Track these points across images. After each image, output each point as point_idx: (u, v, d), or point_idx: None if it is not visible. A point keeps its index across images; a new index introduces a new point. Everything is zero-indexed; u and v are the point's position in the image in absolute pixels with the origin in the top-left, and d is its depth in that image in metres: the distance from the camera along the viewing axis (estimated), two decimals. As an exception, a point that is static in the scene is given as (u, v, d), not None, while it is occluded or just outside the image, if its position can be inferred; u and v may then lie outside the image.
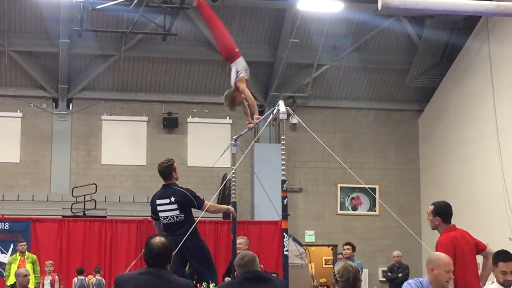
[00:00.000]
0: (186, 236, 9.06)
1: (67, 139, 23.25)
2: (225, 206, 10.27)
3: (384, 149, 24.90)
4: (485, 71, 21.00)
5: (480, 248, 8.15)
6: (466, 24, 22.25)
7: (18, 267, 15.68)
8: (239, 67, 10.70)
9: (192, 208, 9.55)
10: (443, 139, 23.33)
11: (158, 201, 9.55)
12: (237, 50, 10.90)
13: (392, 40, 24.00)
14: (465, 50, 22.25)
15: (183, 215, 9.42)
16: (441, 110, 23.60)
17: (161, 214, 9.49)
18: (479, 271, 8.18)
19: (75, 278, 18.85)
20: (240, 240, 13.44)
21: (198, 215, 9.85)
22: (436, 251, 7.65)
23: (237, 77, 10.67)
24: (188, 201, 9.48)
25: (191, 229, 9.23)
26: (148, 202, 23.06)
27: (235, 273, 7.05)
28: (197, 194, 9.69)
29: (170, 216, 9.43)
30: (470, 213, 19.33)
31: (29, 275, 13.70)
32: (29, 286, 14.52)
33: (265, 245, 20.36)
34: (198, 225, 9.67)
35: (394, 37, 23.88)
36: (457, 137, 22.47)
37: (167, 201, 9.44)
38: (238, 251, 13.63)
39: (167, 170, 9.70)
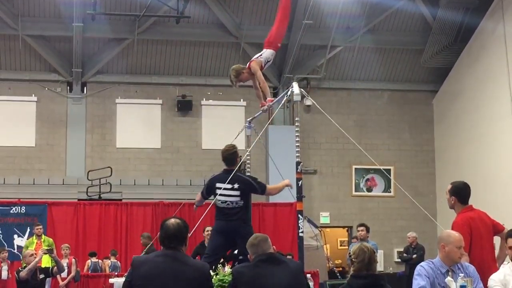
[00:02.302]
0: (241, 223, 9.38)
1: (81, 123, 23.32)
2: (282, 184, 10.23)
3: (398, 130, 24.84)
4: (500, 51, 20.89)
5: (497, 229, 8.11)
6: (481, 3, 22.11)
7: (35, 251, 15.77)
8: (266, 55, 10.74)
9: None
10: (458, 120, 23.25)
11: (219, 185, 9.52)
12: (279, 44, 11.03)
13: (406, 20, 23.89)
14: (480, 30, 22.13)
15: (242, 202, 9.52)
16: (455, 90, 23.51)
17: (220, 198, 9.52)
18: (496, 252, 8.15)
19: (89, 261, 18.94)
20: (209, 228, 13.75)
21: (212, 197, 9.86)
22: (452, 231, 7.64)
23: (255, 58, 10.64)
24: (251, 189, 9.58)
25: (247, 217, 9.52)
26: (162, 185, 23.22)
27: (248, 256, 7.05)
28: (258, 180, 9.78)
29: (230, 201, 9.48)
30: (485, 193, 19.28)
31: (35, 254, 13.83)
32: (43, 265, 14.68)
33: (280, 227, 20.35)
34: (214, 208, 9.72)
35: (408, 17, 23.76)
36: (472, 117, 22.39)
37: (230, 186, 9.46)
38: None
39: (232, 157, 9.70)
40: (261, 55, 10.75)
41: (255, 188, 9.58)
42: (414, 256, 19.39)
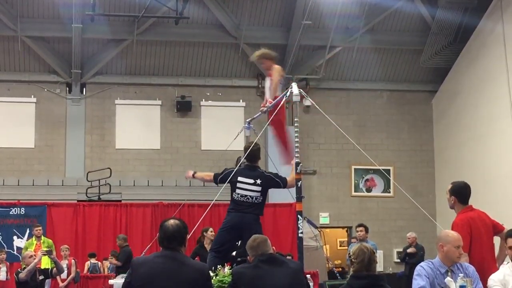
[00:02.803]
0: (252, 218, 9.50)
1: (81, 124, 23.32)
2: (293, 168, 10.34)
3: (398, 130, 24.85)
4: (499, 51, 20.90)
5: (497, 229, 8.11)
6: (480, 3, 22.13)
7: (34, 252, 15.78)
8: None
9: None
10: (457, 120, 23.25)
11: (241, 178, 9.60)
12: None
13: (405, 21, 23.90)
14: (479, 30, 22.13)
15: (261, 198, 9.65)
16: (455, 90, 23.52)
17: (239, 191, 9.59)
18: (496, 252, 8.15)
19: (88, 262, 18.96)
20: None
21: (212, 198, 9.86)
22: (451, 232, 7.64)
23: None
24: (274, 184, 9.70)
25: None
26: (162, 185, 23.24)
27: (248, 257, 7.06)
28: (278, 173, 9.85)
29: (250, 195, 9.58)
30: (485, 193, 19.26)
31: (34, 255, 13.83)
32: (42, 266, 14.67)
33: (279, 227, 20.37)
34: (213, 209, 9.77)
35: (407, 17, 23.77)
36: (471, 117, 22.40)
37: (252, 181, 9.58)
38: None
39: (256, 154, 9.82)
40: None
41: (278, 183, 9.66)
42: (412, 250, 19.37)
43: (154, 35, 23.02)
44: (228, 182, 9.70)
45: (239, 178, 9.61)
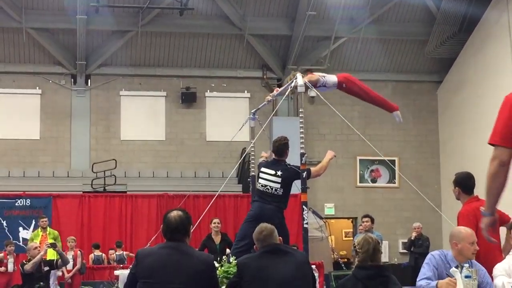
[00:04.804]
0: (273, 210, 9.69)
1: (86, 115, 23.35)
2: (328, 158, 10.33)
3: (403, 120, 24.73)
4: (504, 40, 20.83)
5: (503, 219, 8.06)
6: (485, -7, 22.07)
7: (40, 243, 15.81)
8: (328, 79, 10.77)
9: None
10: (463, 110, 23.21)
11: (263, 169, 9.86)
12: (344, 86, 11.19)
13: (410, 11, 23.84)
14: (484, 19, 22.06)
15: (282, 191, 9.75)
16: (460, 80, 23.47)
17: (261, 181, 9.83)
18: (502, 243, 8.13)
19: (92, 254, 18.98)
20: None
21: (217, 189, 9.87)
22: (458, 223, 7.63)
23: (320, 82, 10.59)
24: (296, 174, 9.70)
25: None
26: (167, 177, 23.30)
27: (254, 246, 7.05)
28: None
29: (270, 186, 9.74)
30: (490, 184, 19.22)
31: (39, 247, 13.86)
32: (48, 257, 14.69)
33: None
34: (218, 199, 9.80)
35: (412, 8, 23.71)
36: (476, 107, 22.34)
37: (273, 172, 9.73)
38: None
39: (283, 148, 9.91)
40: (324, 76, 10.72)
41: (299, 173, 9.60)
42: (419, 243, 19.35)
43: (159, 26, 23.01)
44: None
45: (262, 169, 9.87)
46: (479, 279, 6.69)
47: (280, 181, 9.70)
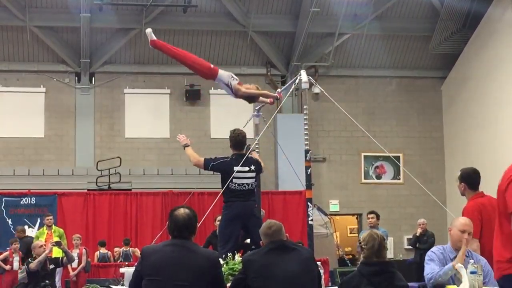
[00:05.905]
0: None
1: (90, 113, 23.35)
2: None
3: (407, 117, 24.79)
4: (508, 36, 20.82)
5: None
6: (489, -11, 22.04)
7: (45, 241, 15.84)
8: (225, 79, 10.52)
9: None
10: (467, 106, 23.19)
11: (236, 168, 9.49)
12: (212, 66, 10.74)
13: (413, 7, 23.80)
14: (488, 15, 22.04)
15: (255, 184, 9.74)
16: (464, 76, 23.45)
17: (236, 181, 9.51)
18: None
19: (97, 252, 19.01)
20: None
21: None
22: (462, 218, 7.64)
23: (232, 89, 10.47)
24: (261, 168, 9.83)
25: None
26: (172, 174, 23.29)
27: (261, 242, 7.05)
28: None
29: (246, 183, 9.58)
30: (495, 179, 19.20)
31: (44, 245, 13.89)
32: (53, 255, 14.71)
33: (289, 215, 20.40)
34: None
35: (415, 4, 23.68)
36: (480, 103, 22.33)
37: (247, 169, 9.58)
38: None
39: (243, 140, 9.83)
40: (228, 84, 10.65)
41: (262, 168, 9.82)
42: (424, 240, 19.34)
43: (162, 24, 22.99)
44: (219, 172, 9.73)
45: (235, 168, 9.50)
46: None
47: (254, 176, 9.65)
